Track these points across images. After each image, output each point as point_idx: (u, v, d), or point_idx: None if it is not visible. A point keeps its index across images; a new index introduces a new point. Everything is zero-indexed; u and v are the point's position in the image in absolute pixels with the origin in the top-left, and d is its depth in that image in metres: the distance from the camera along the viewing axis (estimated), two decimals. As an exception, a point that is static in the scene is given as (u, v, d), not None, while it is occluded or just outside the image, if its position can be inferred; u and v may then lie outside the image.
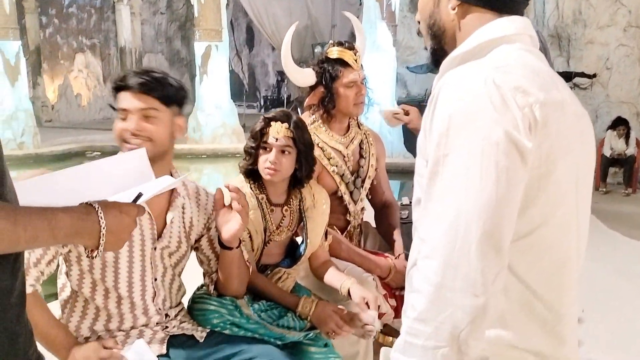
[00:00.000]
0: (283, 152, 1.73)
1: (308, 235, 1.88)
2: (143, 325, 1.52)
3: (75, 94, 15.39)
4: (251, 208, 1.77)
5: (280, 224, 1.86)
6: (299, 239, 1.97)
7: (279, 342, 1.67)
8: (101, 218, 0.89)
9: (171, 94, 1.45)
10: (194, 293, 1.74)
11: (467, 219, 0.80)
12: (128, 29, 14.69)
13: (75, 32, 15.86)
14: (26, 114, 9.41)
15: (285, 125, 1.73)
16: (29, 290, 1.33)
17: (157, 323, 1.54)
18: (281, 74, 18.73)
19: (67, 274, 1.47)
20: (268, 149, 1.73)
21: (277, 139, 1.72)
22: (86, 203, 0.91)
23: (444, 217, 0.83)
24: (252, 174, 1.80)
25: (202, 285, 1.74)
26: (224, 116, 9.90)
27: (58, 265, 1.47)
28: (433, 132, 0.86)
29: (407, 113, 2.30)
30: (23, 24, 11.72)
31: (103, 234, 0.89)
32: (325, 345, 1.75)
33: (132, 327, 1.51)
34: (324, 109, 2.13)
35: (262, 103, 18.73)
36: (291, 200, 1.88)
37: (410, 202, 1.72)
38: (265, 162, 1.73)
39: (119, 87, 1.44)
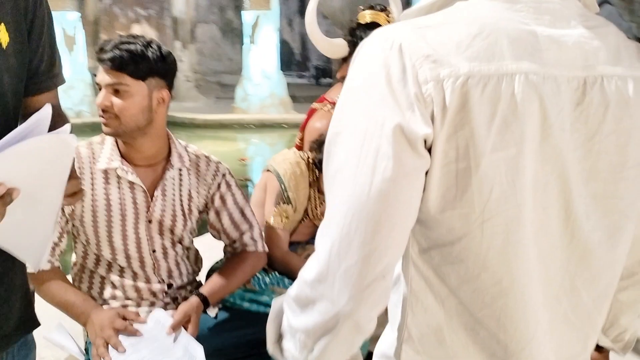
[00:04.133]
0: None
1: None
2: (151, 294, 1.52)
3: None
4: (303, 188, 1.75)
5: (323, 211, 1.83)
6: None
7: None
8: None
9: (145, 68, 1.40)
10: (212, 267, 1.72)
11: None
12: (182, -1, 14.77)
13: (132, 3, 16.15)
14: (84, 84, 9.72)
15: None
16: (46, 266, 1.43)
17: (166, 293, 1.54)
18: (333, 43, 18.41)
19: (74, 249, 1.54)
20: None
21: None
22: None
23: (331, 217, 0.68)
24: (315, 163, 1.78)
25: (220, 260, 1.72)
26: (272, 86, 9.86)
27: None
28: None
29: None
30: (81, -5, 12.02)
31: None
32: None
33: (141, 298, 1.52)
34: None
35: (312, 73, 18.57)
36: None
37: None
38: None
39: (97, 59, 1.42)
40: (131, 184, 1.48)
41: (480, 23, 0.66)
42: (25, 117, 0.86)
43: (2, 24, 0.85)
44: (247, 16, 9.85)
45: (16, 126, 0.88)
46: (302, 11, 21.83)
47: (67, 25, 9.59)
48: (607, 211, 0.73)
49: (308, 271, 0.70)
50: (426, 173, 0.66)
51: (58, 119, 0.96)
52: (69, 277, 1.55)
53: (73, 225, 1.49)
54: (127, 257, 1.50)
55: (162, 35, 17.05)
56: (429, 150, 0.65)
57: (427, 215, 0.68)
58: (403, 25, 0.69)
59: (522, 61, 0.65)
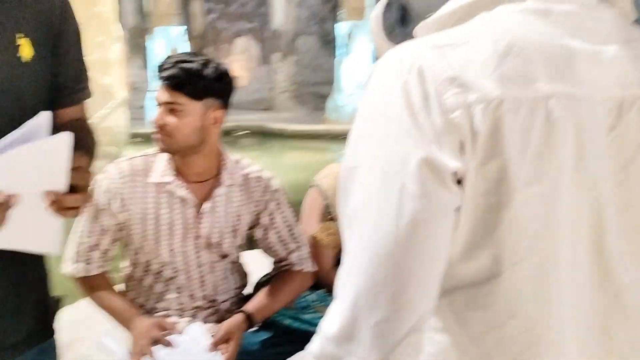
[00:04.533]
0: None
1: None
2: (195, 308, 1.52)
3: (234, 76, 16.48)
4: None
5: None
6: None
7: None
8: None
9: (201, 88, 1.40)
10: (258, 281, 1.71)
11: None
12: (283, 11, 15.25)
13: (236, 17, 16.92)
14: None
15: None
16: (97, 271, 1.49)
17: (209, 306, 1.53)
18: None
19: (126, 257, 1.57)
20: None
21: None
22: None
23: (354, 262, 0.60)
24: None
25: (268, 274, 1.71)
26: (365, 96, 9.89)
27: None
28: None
29: None
30: (188, 11, 12.76)
31: None
32: None
33: (183, 310, 1.52)
34: None
35: (410, 83, 18.38)
36: None
37: None
38: None
39: (158, 77, 1.44)
40: (182, 199, 1.49)
41: (508, 39, 0.58)
42: (54, 129, 0.89)
43: (27, 38, 0.87)
44: (342, 27, 9.95)
45: None
46: (403, 20, 21.72)
47: (171, 40, 10.24)
48: None
49: (331, 326, 0.62)
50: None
51: (83, 133, 0.97)
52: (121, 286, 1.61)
53: (124, 233, 1.53)
54: (174, 270, 1.52)
55: (264, 48, 17.74)
56: (458, 182, 0.58)
57: (452, 255, 0.61)
58: (421, 44, 0.61)
59: (557, 82, 0.58)
